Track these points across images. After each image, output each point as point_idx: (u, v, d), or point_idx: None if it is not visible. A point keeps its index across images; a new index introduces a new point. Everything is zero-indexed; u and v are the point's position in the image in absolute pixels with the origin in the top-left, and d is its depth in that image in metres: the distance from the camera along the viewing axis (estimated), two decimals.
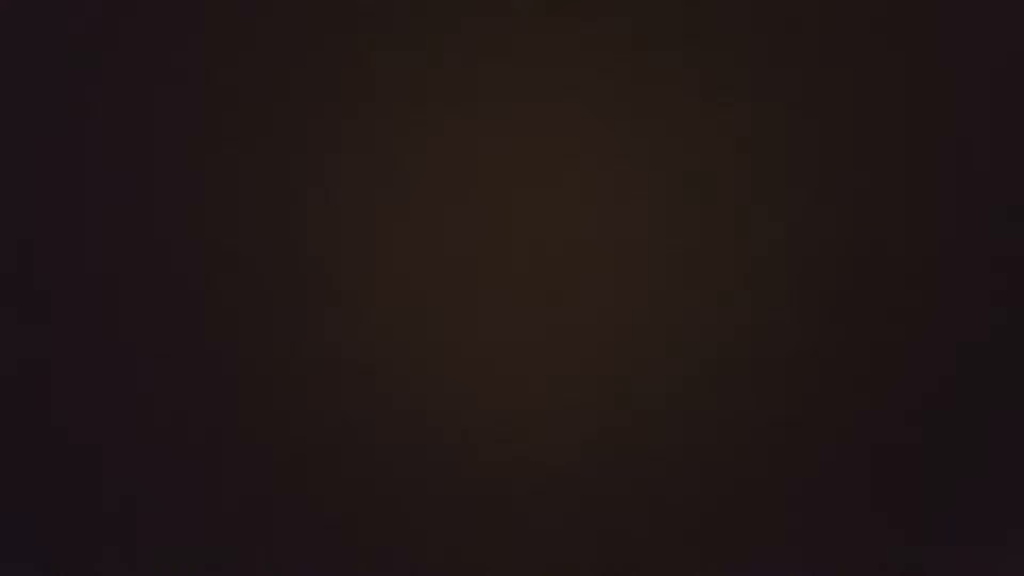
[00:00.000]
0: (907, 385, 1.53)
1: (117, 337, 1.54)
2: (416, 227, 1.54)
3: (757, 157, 1.54)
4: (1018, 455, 1.53)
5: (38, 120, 1.56)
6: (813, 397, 1.53)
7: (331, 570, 1.53)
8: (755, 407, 1.53)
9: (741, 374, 1.53)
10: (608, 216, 1.54)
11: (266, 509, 1.53)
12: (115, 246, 1.54)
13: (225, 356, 1.53)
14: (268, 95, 1.55)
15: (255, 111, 1.55)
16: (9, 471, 1.54)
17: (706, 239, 1.53)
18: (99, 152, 1.55)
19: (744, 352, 1.53)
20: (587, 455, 1.53)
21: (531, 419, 1.53)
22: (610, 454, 1.53)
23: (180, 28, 1.56)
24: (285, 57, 1.55)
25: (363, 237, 1.54)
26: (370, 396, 1.53)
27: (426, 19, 1.55)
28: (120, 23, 1.56)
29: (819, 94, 1.54)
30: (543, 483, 1.53)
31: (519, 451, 1.52)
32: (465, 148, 1.54)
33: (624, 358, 1.53)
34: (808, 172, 1.54)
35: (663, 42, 1.55)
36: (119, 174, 1.55)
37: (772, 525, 1.52)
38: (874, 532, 1.52)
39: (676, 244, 1.53)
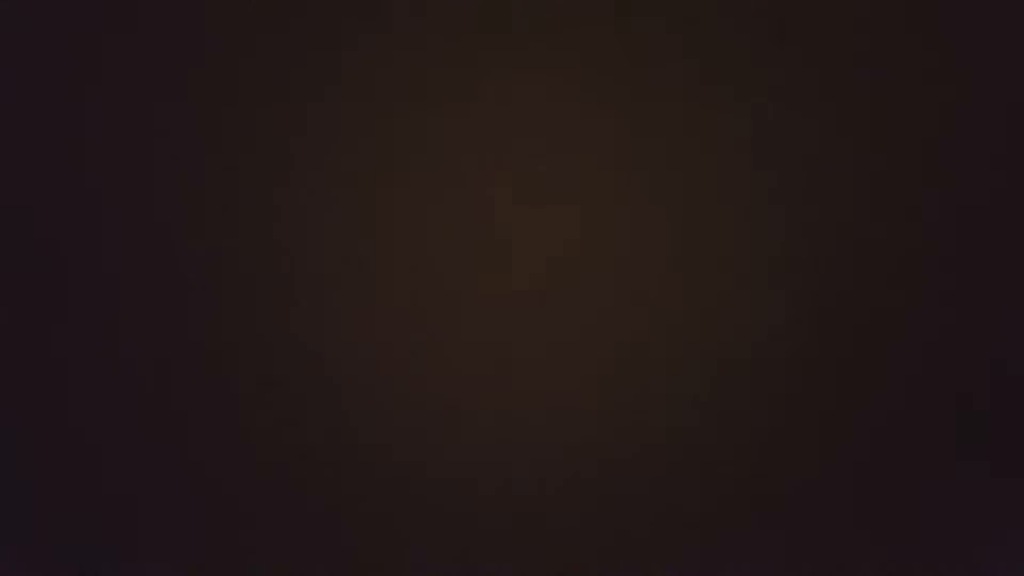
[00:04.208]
0: (908, 385, 1.53)
1: (115, 337, 1.54)
2: (415, 228, 1.54)
3: (757, 158, 1.54)
4: (1019, 456, 1.53)
5: (36, 119, 1.56)
6: (814, 398, 1.53)
7: (329, 571, 1.53)
8: (755, 409, 1.53)
9: (741, 376, 1.53)
10: (608, 217, 1.54)
11: (265, 510, 1.53)
12: (113, 244, 1.54)
13: (223, 356, 1.53)
14: (266, 95, 1.55)
15: (253, 111, 1.55)
16: (7, 471, 1.54)
17: (706, 240, 1.53)
18: (97, 151, 1.55)
19: (744, 354, 1.53)
20: (587, 457, 1.53)
21: (530, 420, 1.53)
22: (610, 455, 1.53)
23: (179, 27, 1.56)
24: (284, 56, 1.55)
25: (362, 238, 1.54)
26: (369, 396, 1.53)
27: (426, 19, 1.55)
28: (119, 21, 1.56)
29: (819, 94, 1.54)
30: (543, 484, 1.53)
31: (518, 453, 1.53)
32: (465, 148, 1.54)
33: (624, 359, 1.53)
34: (808, 173, 1.54)
35: (663, 42, 1.55)
36: (116, 174, 1.55)
37: (772, 526, 1.52)
38: (874, 533, 1.53)
39: (677, 245, 1.53)
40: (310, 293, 1.54)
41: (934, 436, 1.53)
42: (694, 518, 1.52)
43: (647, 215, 1.54)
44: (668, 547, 1.52)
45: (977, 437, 1.53)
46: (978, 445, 1.53)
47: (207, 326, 1.54)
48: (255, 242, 1.54)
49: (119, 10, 1.56)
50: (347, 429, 1.53)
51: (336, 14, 1.55)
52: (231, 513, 1.53)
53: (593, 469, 1.52)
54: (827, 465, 1.53)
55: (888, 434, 1.53)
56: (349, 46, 1.54)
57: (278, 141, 1.55)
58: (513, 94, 1.54)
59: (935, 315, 1.53)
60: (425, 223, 1.54)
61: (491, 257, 1.54)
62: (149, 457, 1.53)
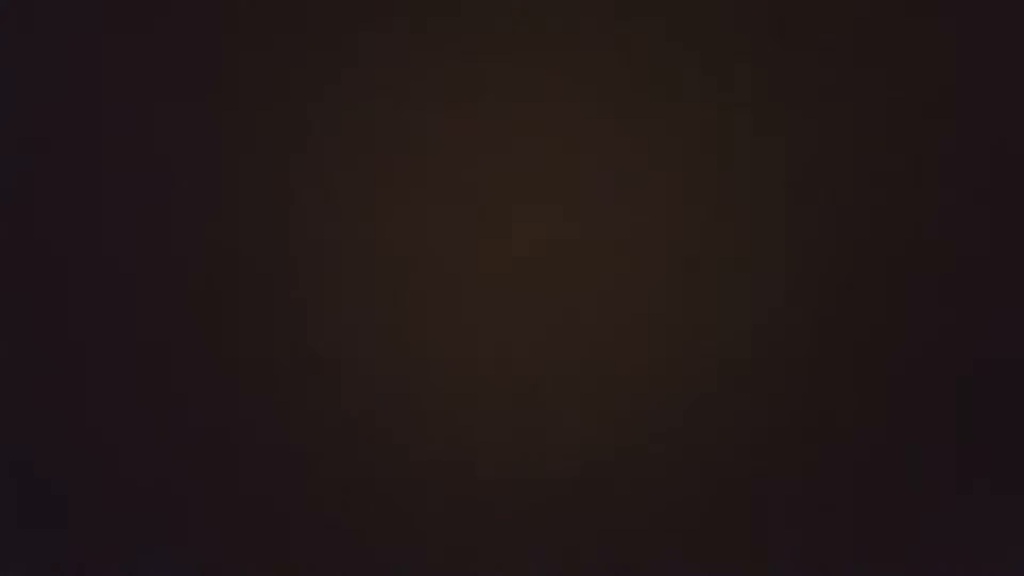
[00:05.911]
0: (908, 385, 1.53)
1: (114, 337, 1.54)
2: (415, 227, 1.54)
3: (757, 157, 1.54)
4: (1019, 457, 1.53)
5: (37, 119, 1.56)
6: (813, 397, 1.53)
7: (328, 567, 1.53)
8: (755, 408, 1.52)
9: (741, 375, 1.53)
10: (608, 216, 1.54)
11: (265, 510, 1.53)
12: (112, 244, 1.54)
13: (223, 355, 1.53)
14: (267, 94, 1.55)
15: (253, 110, 1.55)
16: (7, 471, 1.54)
17: (706, 239, 1.53)
18: (98, 152, 1.55)
19: (744, 352, 1.53)
20: (587, 457, 1.52)
21: (530, 420, 1.53)
22: (610, 455, 1.52)
23: (179, 26, 1.56)
24: (284, 56, 1.55)
25: (362, 237, 1.54)
26: (369, 396, 1.53)
27: (426, 19, 1.55)
28: (120, 21, 1.56)
29: (819, 94, 1.54)
30: (542, 485, 1.52)
31: (518, 452, 1.52)
32: (464, 148, 1.54)
33: (624, 359, 1.53)
34: (808, 173, 1.54)
35: (663, 42, 1.55)
36: (116, 174, 1.55)
37: (772, 526, 1.52)
38: (874, 533, 1.52)
39: (676, 244, 1.53)
40: (309, 291, 1.54)
41: (934, 436, 1.53)
42: (694, 518, 1.52)
43: (647, 215, 1.54)
44: (668, 547, 1.52)
45: (977, 437, 1.53)
46: (978, 445, 1.53)
47: (206, 325, 1.53)
48: (254, 241, 1.54)
49: (120, 10, 1.56)
50: (345, 427, 1.53)
51: (336, 14, 1.55)
52: (231, 512, 1.53)
53: (591, 468, 1.52)
54: (827, 465, 1.52)
55: (888, 434, 1.53)
56: (349, 46, 1.55)
57: (278, 141, 1.55)
58: (513, 94, 1.54)
59: (935, 315, 1.53)
60: (425, 223, 1.54)
61: (491, 257, 1.54)
62: (149, 455, 1.53)
